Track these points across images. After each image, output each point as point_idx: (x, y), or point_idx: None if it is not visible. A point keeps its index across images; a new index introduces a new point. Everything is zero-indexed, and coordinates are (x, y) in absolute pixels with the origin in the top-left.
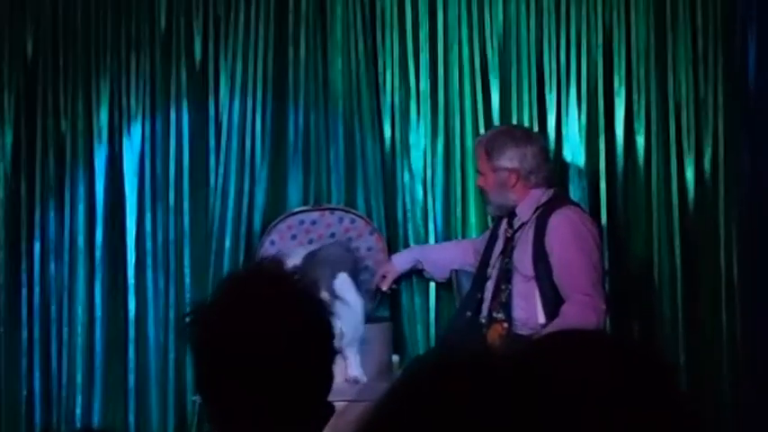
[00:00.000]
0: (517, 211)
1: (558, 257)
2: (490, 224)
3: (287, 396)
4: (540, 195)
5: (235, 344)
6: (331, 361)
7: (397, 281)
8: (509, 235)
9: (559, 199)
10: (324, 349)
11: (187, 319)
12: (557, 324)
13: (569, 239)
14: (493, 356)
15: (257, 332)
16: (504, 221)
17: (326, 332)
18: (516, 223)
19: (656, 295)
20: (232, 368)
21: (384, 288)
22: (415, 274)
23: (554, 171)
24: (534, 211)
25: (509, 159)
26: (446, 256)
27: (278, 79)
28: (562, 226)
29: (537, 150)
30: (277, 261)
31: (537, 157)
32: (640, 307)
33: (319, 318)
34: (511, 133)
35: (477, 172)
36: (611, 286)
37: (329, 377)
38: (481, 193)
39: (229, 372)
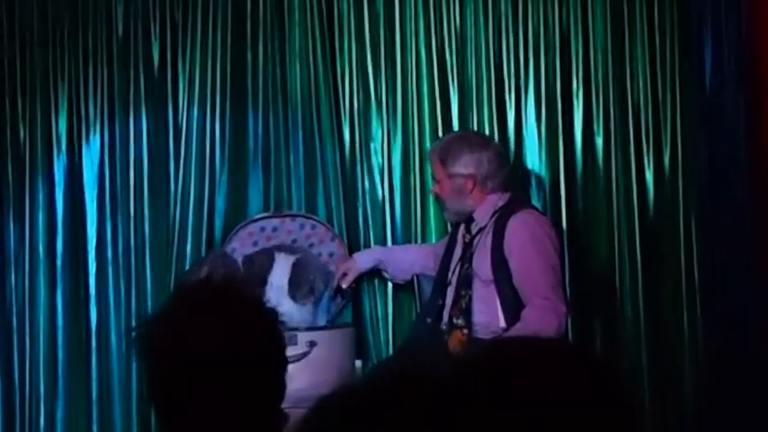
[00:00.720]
0: (475, 216)
1: (516, 262)
2: (433, 229)
3: (238, 406)
4: (497, 200)
5: (184, 356)
6: (283, 370)
7: (358, 281)
8: (467, 240)
9: (516, 202)
10: (274, 358)
11: (135, 333)
12: (518, 328)
13: (527, 243)
14: (447, 370)
15: (206, 343)
16: (462, 227)
17: (277, 341)
18: (474, 228)
19: (618, 296)
20: (182, 380)
21: (344, 286)
22: (378, 277)
23: (510, 175)
24: (492, 216)
25: (464, 165)
26: (408, 259)
27: (237, 85)
28: (520, 230)
29: (492, 155)
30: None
31: (493, 163)
32: (602, 309)
33: (269, 327)
34: (466, 139)
35: (433, 180)
36: (572, 288)
37: (281, 386)
38: (437, 200)
39: (179, 383)
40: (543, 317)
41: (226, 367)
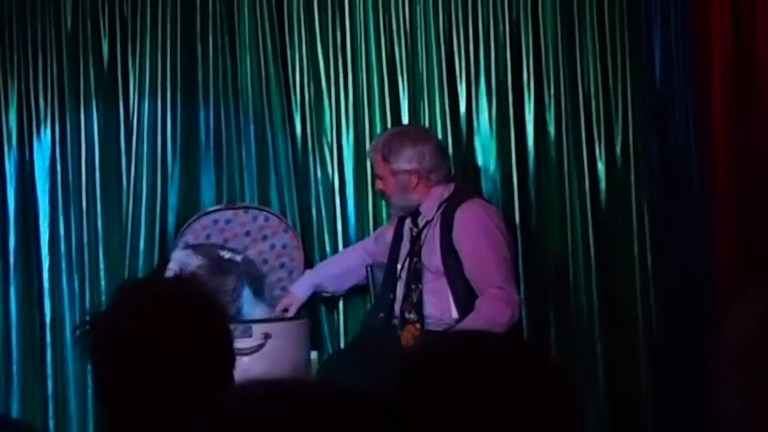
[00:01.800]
0: (421, 209)
1: (467, 253)
2: (386, 221)
3: (186, 403)
4: (443, 192)
5: (123, 355)
6: (230, 366)
7: (302, 308)
8: (415, 234)
9: (462, 193)
10: (220, 355)
11: (80, 330)
12: (471, 318)
13: (476, 234)
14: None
15: (152, 339)
16: (409, 220)
17: (222, 338)
18: (421, 222)
19: (572, 286)
20: (123, 379)
21: (289, 316)
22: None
23: (451, 166)
24: (438, 208)
25: (408, 161)
26: (342, 272)
27: (187, 79)
28: (468, 221)
29: (433, 148)
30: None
31: (434, 155)
32: (556, 299)
33: (214, 324)
34: (405, 134)
35: (376, 177)
36: (526, 279)
37: (230, 383)
38: (382, 196)
39: (121, 383)
40: (496, 306)
41: (166, 366)
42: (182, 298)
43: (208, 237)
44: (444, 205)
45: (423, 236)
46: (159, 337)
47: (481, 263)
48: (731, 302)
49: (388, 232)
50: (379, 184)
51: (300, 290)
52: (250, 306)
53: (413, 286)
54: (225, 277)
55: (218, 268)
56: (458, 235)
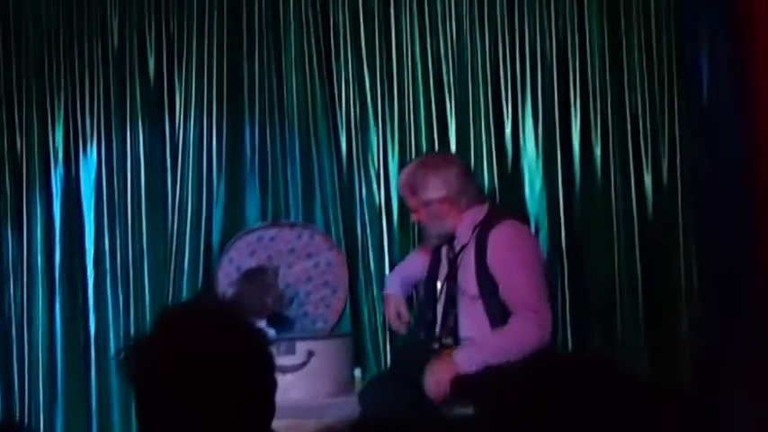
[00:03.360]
0: (456, 234)
1: (500, 275)
2: None
3: (227, 427)
4: (476, 214)
5: (172, 376)
6: (272, 391)
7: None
8: (451, 257)
9: (496, 214)
10: (264, 379)
11: (122, 354)
12: (503, 333)
13: (509, 256)
14: None
15: (194, 364)
16: (445, 245)
17: (266, 362)
18: (457, 246)
19: (618, 307)
20: (170, 401)
21: (407, 320)
22: (376, 286)
23: (480, 186)
24: (473, 231)
25: (435, 190)
26: (411, 270)
27: (233, 96)
28: (501, 242)
29: (459, 172)
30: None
31: (461, 179)
32: (602, 320)
33: (259, 348)
34: (427, 164)
35: (410, 210)
36: (571, 300)
37: (271, 407)
38: (419, 226)
39: (168, 404)
40: (528, 326)
41: (207, 393)
42: (223, 326)
43: (252, 254)
44: (478, 228)
45: (459, 259)
46: (198, 367)
47: (515, 285)
48: None
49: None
50: (414, 217)
51: (396, 288)
52: None
53: (449, 311)
54: (262, 276)
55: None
56: (491, 257)
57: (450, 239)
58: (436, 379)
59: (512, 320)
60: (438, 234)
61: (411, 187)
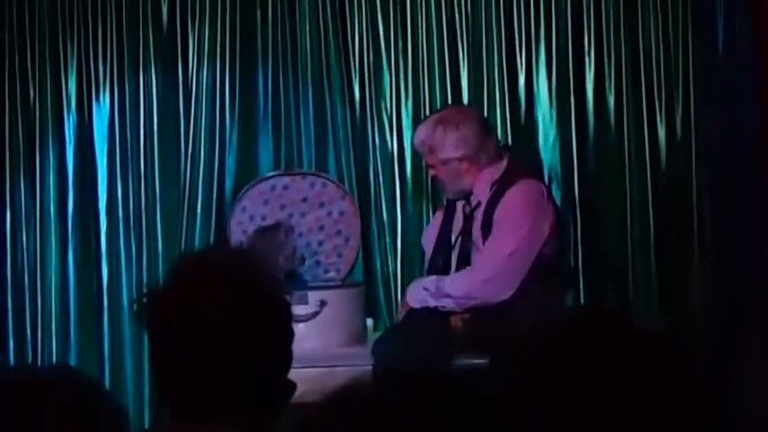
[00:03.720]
0: (474, 191)
1: (494, 230)
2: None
3: (244, 376)
4: (494, 172)
5: (190, 325)
6: (289, 340)
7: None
8: (467, 212)
9: (514, 171)
10: (281, 328)
11: (137, 304)
12: (452, 282)
13: (515, 219)
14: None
15: (212, 312)
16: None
17: (283, 310)
18: (474, 201)
19: (630, 256)
20: (185, 351)
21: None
22: (388, 235)
23: (498, 142)
24: (491, 189)
25: (454, 148)
26: None
27: (246, 45)
28: (512, 205)
29: (477, 129)
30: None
31: (479, 136)
32: (614, 270)
33: (276, 297)
34: (445, 120)
35: (427, 165)
36: (584, 249)
37: (288, 356)
38: (436, 181)
39: (183, 355)
40: (477, 284)
41: (233, 335)
42: (238, 276)
43: (265, 203)
44: (495, 186)
45: (474, 216)
46: (213, 316)
47: (497, 246)
48: None
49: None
50: (432, 172)
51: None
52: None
53: (462, 265)
54: (275, 234)
55: (263, 230)
56: (498, 214)
57: (467, 195)
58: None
59: (466, 273)
60: (456, 190)
61: (429, 146)
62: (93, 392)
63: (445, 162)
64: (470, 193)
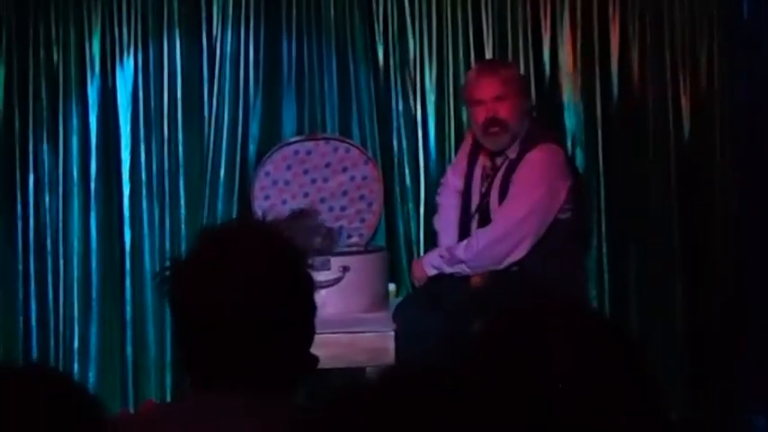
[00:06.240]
0: (513, 144)
1: (511, 191)
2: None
3: (267, 349)
4: (521, 130)
5: (213, 296)
6: (312, 314)
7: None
8: (489, 171)
9: (536, 133)
10: (304, 301)
11: (159, 276)
12: (467, 247)
13: (533, 182)
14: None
15: (235, 284)
16: (485, 158)
17: (307, 284)
18: (499, 161)
19: (652, 224)
20: (209, 322)
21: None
22: (411, 201)
23: None
24: (519, 147)
25: (526, 85)
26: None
27: (271, 9)
28: (532, 167)
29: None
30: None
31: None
32: (636, 236)
33: (299, 269)
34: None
35: (489, 102)
36: (607, 216)
37: (311, 330)
38: (495, 125)
39: (206, 325)
40: (487, 247)
41: (256, 308)
42: (261, 249)
43: (288, 167)
44: (519, 148)
45: (496, 175)
46: (235, 288)
47: (511, 208)
48: None
49: (462, 160)
50: (493, 109)
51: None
52: None
53: (483, 226)
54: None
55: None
56: (517, 176)
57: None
58: (413, 275)
59: (478, 233)
60: (515, 133)
61: (503, 75)
62: (65, 390)
63: (519, 95)
64: (508, 146)
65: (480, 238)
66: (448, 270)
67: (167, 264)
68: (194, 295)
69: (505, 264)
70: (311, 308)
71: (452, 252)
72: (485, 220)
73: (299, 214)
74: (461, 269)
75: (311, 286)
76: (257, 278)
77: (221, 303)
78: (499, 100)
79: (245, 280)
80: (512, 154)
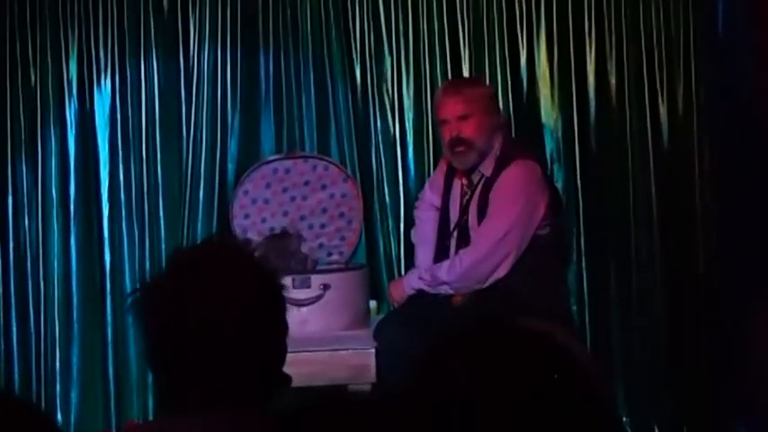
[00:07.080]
0: (486, 162)
1: (490, 210)
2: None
3: (239, 369)
4: (497, 146)
5: (182, 318)
6: (284, 333)
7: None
8: (466, 189)
9: (511, 150)
10: (275, 320)
11: (132, 297)
12: (448, 268)
13: (511, 199)
14: None
15: (207, 305)
16: (461, 178)
17: (278, 303)
18: (475, 178)
19: (633, 237)
20: (182, 343)
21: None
22: (391, 217)
23: None
24: (495, 163)
25: (495, 101)
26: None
27: (247, 28)
28: (509, 184)
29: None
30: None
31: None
32: (617, 250)
33: (270, 289)
34: (473, 79)
35: (454, 121)
36: (586, 230)
37: (283, 349)
38: (455, 145)
39: (180, 346)
40: (466, 269)
41: (228, 328)
42: (231, 268)
43: (268, 186)
44: (494, 164)
45: (474, 193)
46: (205, 309)
47: (490, 227)
48: None
49: (440, 177)
50: (457, 129)
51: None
52: None
53: (462, 245)
54: (287, 241)
55: (275, 239)
56: (495, 193)
57: (468, 171)
58: (391, 296)
59: (460, 255)
60: (482, 152)
61: (467, 94)
62: (19, 412)
63: (486, 112)
64: (478, 164)
65: (463, 259)
66: (431, 292)
67: (137, 286)
68: (163, 317)
69: (489, 282)
70: (283, 327)
71: (434, 274)
72: (463, 238)
73: (279, 236)
74: (444, 290)
75: (282, 305)
76: (226, 299)
77: (190, 325)
78: (464, 119)
79: (213, 301)
80: (487, 171)
